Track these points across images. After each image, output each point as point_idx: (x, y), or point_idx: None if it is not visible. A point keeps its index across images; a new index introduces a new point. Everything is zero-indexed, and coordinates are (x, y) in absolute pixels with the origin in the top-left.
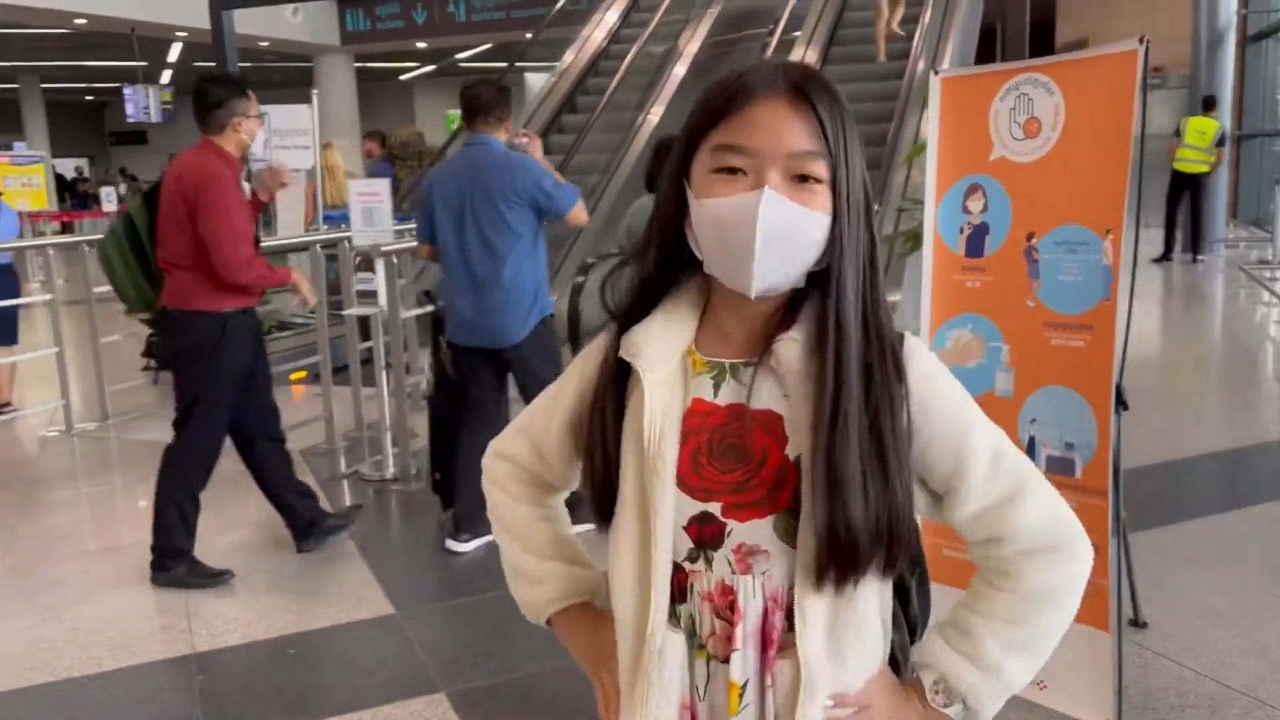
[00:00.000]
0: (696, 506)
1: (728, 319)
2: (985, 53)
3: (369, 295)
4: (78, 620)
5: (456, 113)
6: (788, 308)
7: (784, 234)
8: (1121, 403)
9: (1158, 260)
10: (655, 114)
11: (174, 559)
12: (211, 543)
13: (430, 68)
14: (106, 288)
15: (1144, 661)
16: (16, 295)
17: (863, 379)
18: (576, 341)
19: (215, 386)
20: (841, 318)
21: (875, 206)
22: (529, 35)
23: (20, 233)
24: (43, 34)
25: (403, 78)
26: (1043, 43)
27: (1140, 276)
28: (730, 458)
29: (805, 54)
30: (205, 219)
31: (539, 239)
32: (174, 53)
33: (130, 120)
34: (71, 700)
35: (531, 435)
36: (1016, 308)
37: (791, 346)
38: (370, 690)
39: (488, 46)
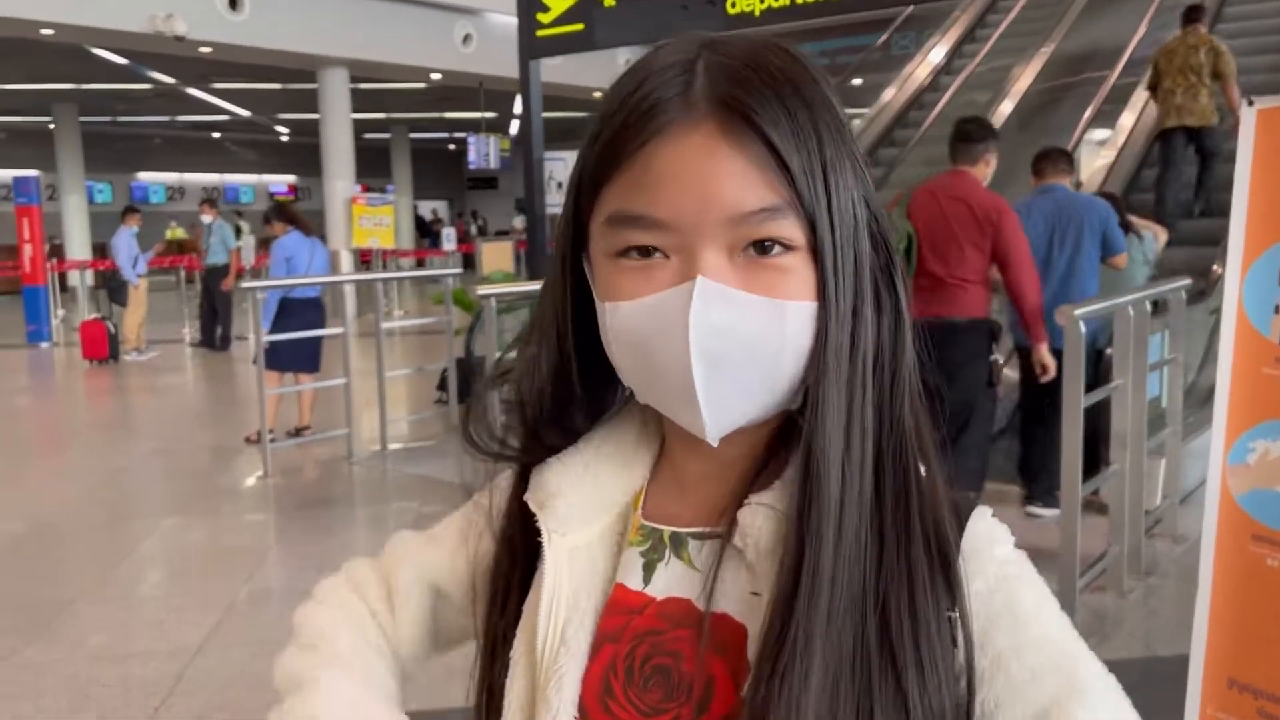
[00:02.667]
0: None
1: (685, 460)
2: None
3: None
4: None
5: None
6: (779, 443)
7: (738, 347)
8: None
9: None
10: None
11: None
12: None
13: None
14: (397, 323)
15: None
16: (321, 326)
17: (863, 581)
18: None
19: (984, 384)
20: (817, 470)
21: (883, 218)
22: (856, 81)
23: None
24: (408, 88)
25: None
26: None
27: None
28: (658, 687)
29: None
30: (1007, 240)
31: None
32: (518, 105)
33: (472, 166)
34: None
35: (386, 575)
36: None
37: (762, 516)
38: None
39: None
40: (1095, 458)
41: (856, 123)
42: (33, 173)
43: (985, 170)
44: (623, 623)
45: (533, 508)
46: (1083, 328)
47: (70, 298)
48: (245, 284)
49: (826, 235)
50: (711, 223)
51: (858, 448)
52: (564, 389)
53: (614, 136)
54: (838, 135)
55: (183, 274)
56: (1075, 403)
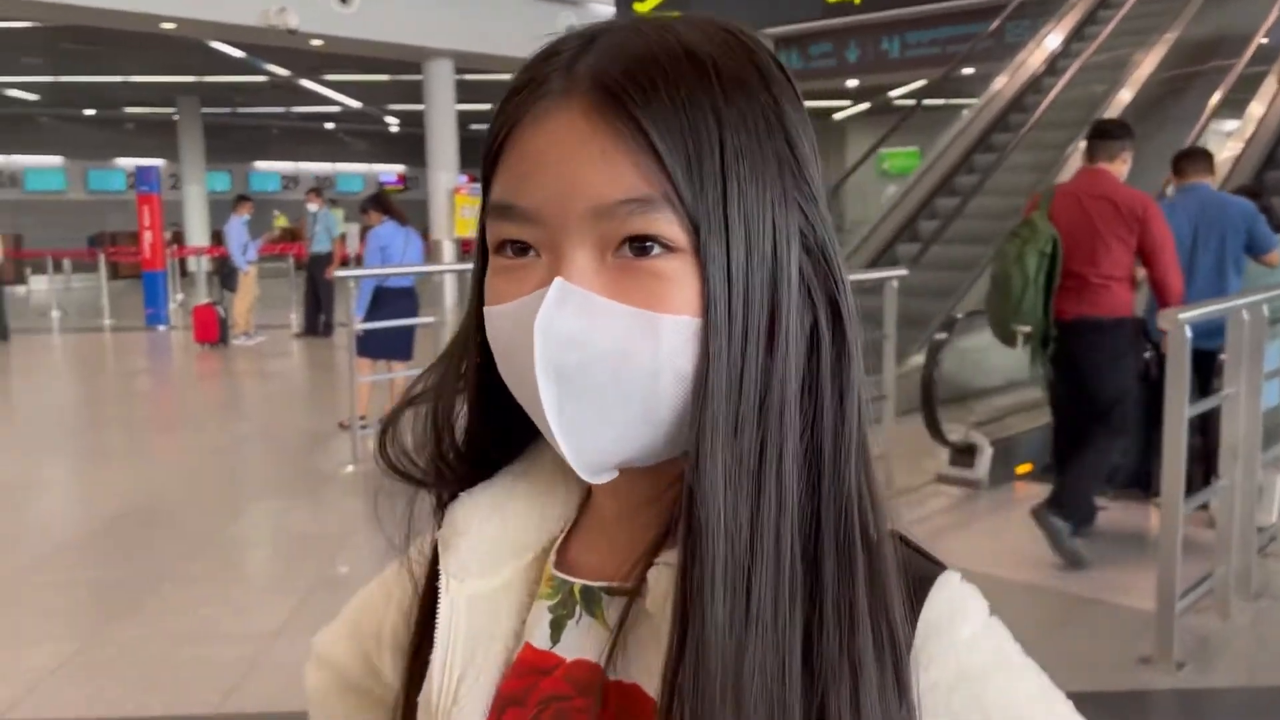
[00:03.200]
0: None
1: (602, 500)
2: None
3: None
4: None
5: (890, 151)
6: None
7: (597, 363)
8: None
9: None
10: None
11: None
12: None
13: (864, 106)
14: None
15: None
16: (414, 315)
17: (785, 675)
18: (931, 411)
19: (1132, 382)
20: (699, 522)
21: (835, 257)
22: (968, 70)
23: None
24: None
25: (836, 116)
26: None
27: None
28: None
29: None
30: (1154, 235)
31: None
32: None
33: None
34: None
35: (359, 636)
36: None
37: (664, 576)
38: None
39: (923, 83)
40: (1206, 469)
41: (965, 113)
42: (155, 162)
43: (1122, 168)
44: (529, 684)
45: (440, 547)
46: (1188, 332)
47: (190, 283)
48: (340, 273)
49: (714, 238)
50: (577, 214)
51: (770, 508)
52: (475, 415)
53: (498, 120)
54: (760, 142)
55: (291, 261)
56: (1178, 411)
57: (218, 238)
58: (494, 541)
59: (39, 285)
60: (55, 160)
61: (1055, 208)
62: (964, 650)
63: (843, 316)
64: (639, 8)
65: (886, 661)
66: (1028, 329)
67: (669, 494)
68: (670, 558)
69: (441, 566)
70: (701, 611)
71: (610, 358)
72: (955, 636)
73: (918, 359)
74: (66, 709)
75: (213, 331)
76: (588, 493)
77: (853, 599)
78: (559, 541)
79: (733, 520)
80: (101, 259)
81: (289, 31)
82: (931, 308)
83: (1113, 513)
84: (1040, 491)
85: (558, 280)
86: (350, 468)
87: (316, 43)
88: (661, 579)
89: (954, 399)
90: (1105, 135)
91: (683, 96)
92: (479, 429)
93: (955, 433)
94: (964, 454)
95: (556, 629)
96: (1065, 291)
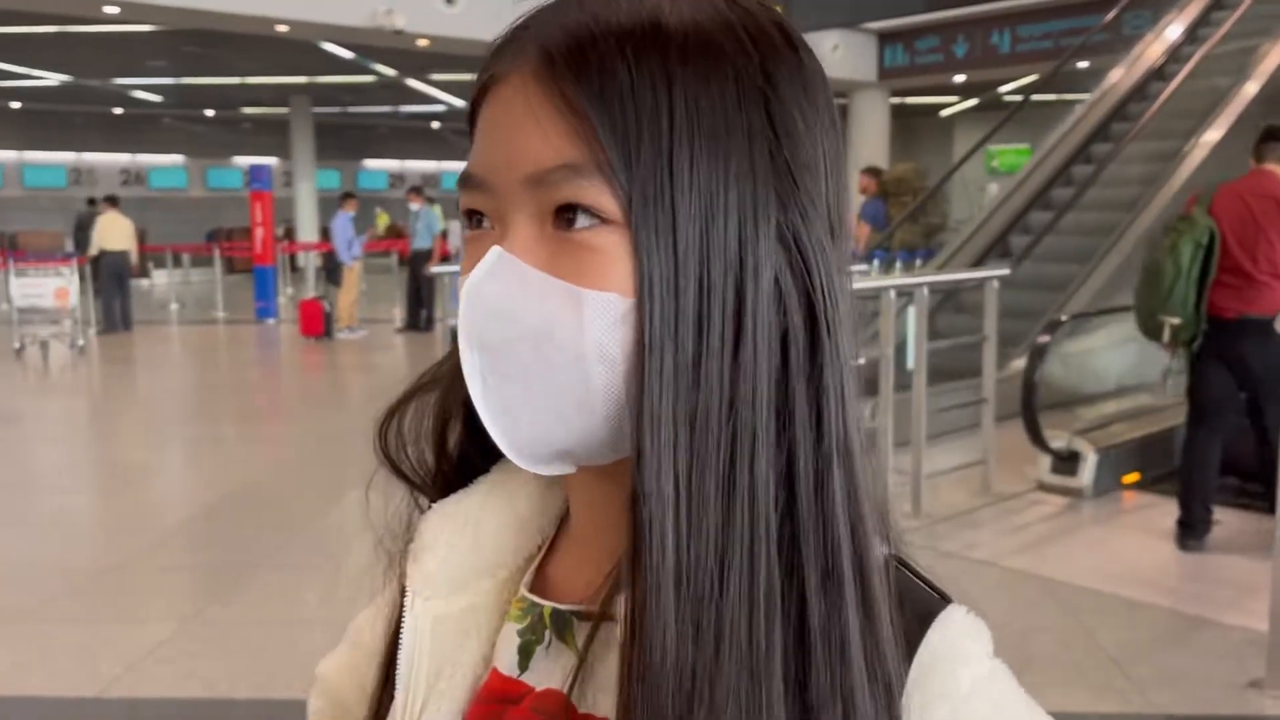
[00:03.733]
0: None
1: (578, 510)
2: None
3: None
4: None
5: (999, 149)
6: None
7: (521, 340)
8: None
9: None
10: (1211, 139)
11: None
12: None
13: (972, 101)
14: None
15: None
16: None
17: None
18: (1032, 416)
19: None
20: (644, 528)
21: (819, 258)
22: (1083, 64)
23: None
24: None
25: (943, 113)
26: None
27: None
28: None
29: None
30: None
31: None
32: None
33: None
34: None
35: (356, 658)
36: None
37: None
38: None
39: (1034, 78)
40: None
41: (1079, 107)
42: (268, 160)
43: None
44: (495, 713)
45: (408, 561)
46: None
47: (299, 277)
48: (437, 268)
49: (653, 209)
50: (517, 182)
51: (741, 519)
52: (464, 416)
53: (474, 87)
54: (726, 112)
55: (395, 257)
56: None
57: (325, 234)
58: (462, 558)
59: (160, 279)
60: (177, 159)
61: (1217, 205)
62: (960, 700)
63: (818, 323)
64: None
65: (880, 703)
66: (1176, 321)
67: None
68: None
69: (408, 582)
70: (650, 637)
71: (533, 334)
72: (951, 683)
73: (1019, 362)
74: (161, 688)
75: (318, 325)
76: (568, 505)
77: (843, 631)
78: (537, 559)
79: (694, 529)
80: (217, 254)
81: (395, 32)
82: (1045, 300)
83: (1227, 526)
84: (1149, 502)
85: (494, 249)
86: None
87: (422, 42)
88: None
89: (1058, 404)
90: (1275, 138)
91: (628, 56)
92: (465, 431)
93: (1058, 439)
94: (1067, 461)
95: (525, 655)
96: (1224, 288)
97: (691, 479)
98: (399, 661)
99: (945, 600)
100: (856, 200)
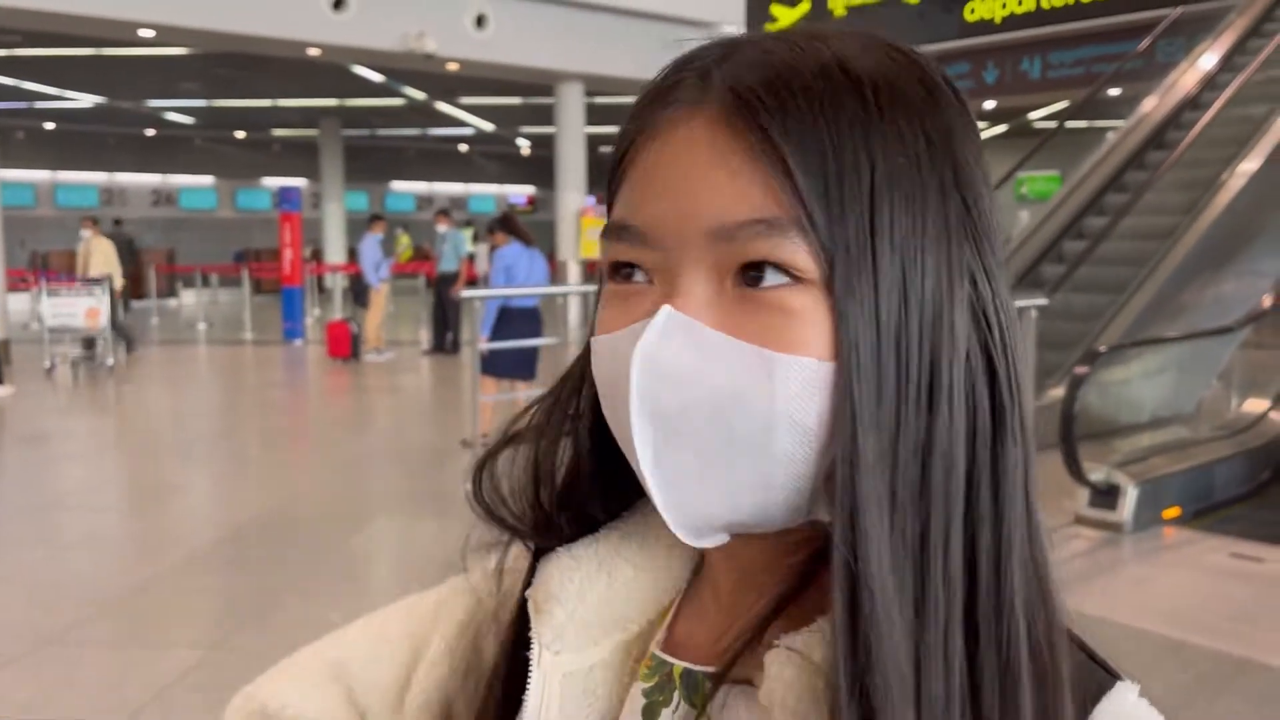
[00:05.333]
0: None
1: (718, 566)
2: None
3: None
4: None
5: (1029, 175)
6: (818, 559)
7: (701, 406)
8: None
9: None
10: (1248, 168)
11: None
12: None
13: (1001, 128)
14: None
15: None
16: (539, 335)
17: None
18: (1070, 449)
19: None
20: (864, 619)
21: (1008, 321)
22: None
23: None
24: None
25: None
26: None
27: None
28: None
29: None
30: None
31: None
32: None
33: None
34: None
35: (347, 678)
36: None
37: (793, 666)
38: None
39: (1064, 105)
40: None
41: (1111, 135)
42: (297, 182)
43: None
44: None
45: (530, 609)
46: None
47: (326, 299)
48: (465, 292)
49: (855, 272)
50: (694, 236)
51: (937, 604)
52: (577, 462)
53: (624, 132)
54: (920, 169)
55: (423, 280)
56: None
57: (353, 255)
58: (594, 611)
59: (188, 298)
60: (207, 180)
61: None
62: None
63: (1003, 392)
64: (771, 29)
65: None
66: None
67: (791, 560)
68: (795, 641)
69: (534, 634)
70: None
71: (716, 400)
72: None
73: (1057, 392)
74: (189, 716)
75: (345, 347)
76: (702, 558)
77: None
78: (669, 616)
79: (881, 599)
80: (245, 274)
81: (426, 56)
82: (1079, 330)
83: (1271, 563)
84: (1191, 538)
85: (665, 308)
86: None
87: (452, 66)
88: (786, 668)
89: (1096, 435)
90: None
91: (828, 109)
92: (581, 476)
93: (1096, 472)
94: (1105, 495)
95: (649, 716)
96: None
97: (902, 556)
98: (524, 716)
99: (1116, 677)
100: None
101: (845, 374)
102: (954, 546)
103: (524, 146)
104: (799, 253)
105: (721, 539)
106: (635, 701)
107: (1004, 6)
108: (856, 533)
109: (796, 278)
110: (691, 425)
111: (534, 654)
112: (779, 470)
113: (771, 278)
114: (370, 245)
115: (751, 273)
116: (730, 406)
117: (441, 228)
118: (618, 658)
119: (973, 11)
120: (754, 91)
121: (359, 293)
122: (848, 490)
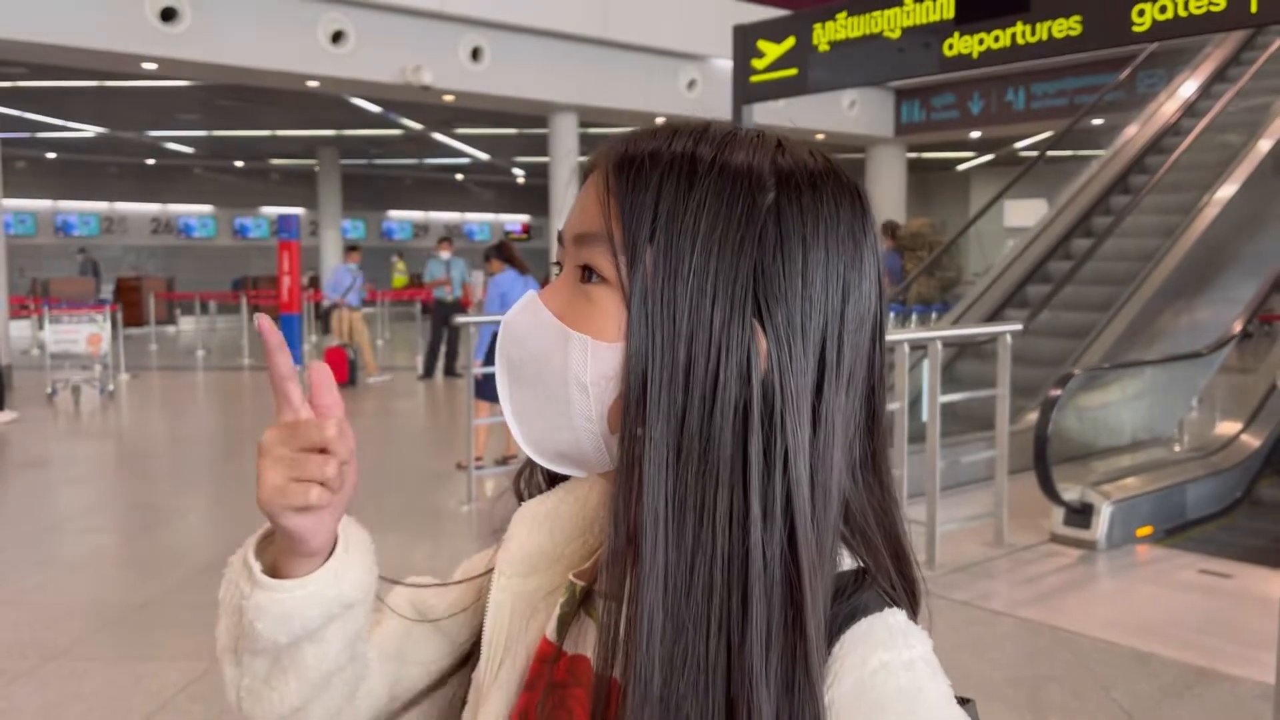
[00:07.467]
0: None
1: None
2: None
3: None
4: None
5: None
6: None
7: (529, 362)
8: None
9: None
10: (1225, 193)
11: None
12: None
13: (988, 157)
14: None
15: None
16: None
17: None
18: (1044, 469)
19: None
20: (640, 551)
21: (779, 359)
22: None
23: None
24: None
25: (960, 168)
26: None
27: None
28: None
29: None
30: None
31: None
32: None
33: None
34: None
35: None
36: None
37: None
38: None
39: (1048, 135)
40: None
41: (1094, 163)
42: (296, 210)
43: None
44: (539, 671)
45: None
46: None
47: (324, 325)
48: (459, 319)
49: (636, 276)
50: (568, 242)
51: (708, 534)
52: None
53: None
54: (726, 221)
55: (419, 306)
56: None
57: (314, 282)
58: (538, 547)
59: (187, 325)
60: (206, 208)
61: None
62: (868, 673)
63: (772, 401)
64: (757, 63)
65: (800, 674)
66: None
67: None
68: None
69: (496, 561)
70: (641, 616)
71: (537, 358)
72: (865, 658)
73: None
74: None
75: (342, 372)
76: None
77: (769, 624)
78: (598, 554)
79: (651, 542)
80: (243, 301)
81: (423, 88)
82: (1065, 349)
83: (1238, 579)
84: (1162, 555)
85: (529, 291)
86: (466, 507)
87: (449, 98)
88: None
89: (1078, 457)
90: None
91: (661, 166)
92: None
93: (1070, 491)
94: (1080, 514)
95: (562, 626)
96: None
97: (674, 496)
98: (485, 624)
99: (896, 608)
100: None
101: (626, 353)
102: (721, 495)
103: (519, 175)
104: (604, 260)
105: (572, 470)
106: (555, 614)
107: (980, 43)
108: (636, 448)
109: (603, 278)
110: (526, 374)
111: (495, 577)
112: (575, 414)
113: (594, 277)
114: (341, 273)
115: (586, 270)
116: (544, 363)
117: (445, 254)
118: (554, 583)
119: (951, 47)
120: (621, 154)
121: (325, 316)
122: (623, 434)
